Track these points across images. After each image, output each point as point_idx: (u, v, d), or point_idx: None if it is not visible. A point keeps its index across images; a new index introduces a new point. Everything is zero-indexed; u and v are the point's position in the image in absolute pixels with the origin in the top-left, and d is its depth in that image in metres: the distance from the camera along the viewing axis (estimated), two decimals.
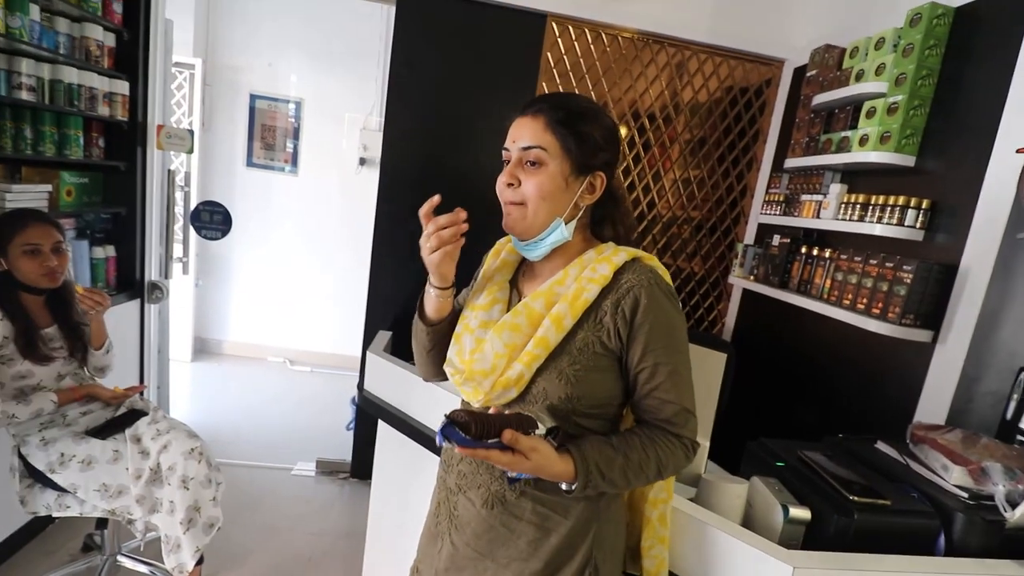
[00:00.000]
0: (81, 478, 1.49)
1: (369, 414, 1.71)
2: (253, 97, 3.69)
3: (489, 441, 0.68)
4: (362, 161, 3.71)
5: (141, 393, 1.79)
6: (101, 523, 1.74)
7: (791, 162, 2.17)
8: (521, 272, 0.93)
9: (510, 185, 0.81)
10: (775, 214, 2.23)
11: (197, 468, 1.54)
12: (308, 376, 3.89)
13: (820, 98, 2.00)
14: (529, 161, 0.80)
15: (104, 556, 1.76)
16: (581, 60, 2.36)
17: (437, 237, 0.78)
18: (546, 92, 0.84)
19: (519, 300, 0.87)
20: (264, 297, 3.96)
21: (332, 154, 3.78)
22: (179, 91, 3.48)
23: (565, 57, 2.34)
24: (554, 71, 2.33)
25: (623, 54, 2.38)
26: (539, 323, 0.81)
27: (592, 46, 2.36)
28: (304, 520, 2.27)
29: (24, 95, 1.75)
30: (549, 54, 2.32)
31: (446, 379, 0.94)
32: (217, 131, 3.70)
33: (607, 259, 0.82)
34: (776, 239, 2.19)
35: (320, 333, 4.01)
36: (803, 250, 2.03)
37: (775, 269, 2.16)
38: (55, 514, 1.55)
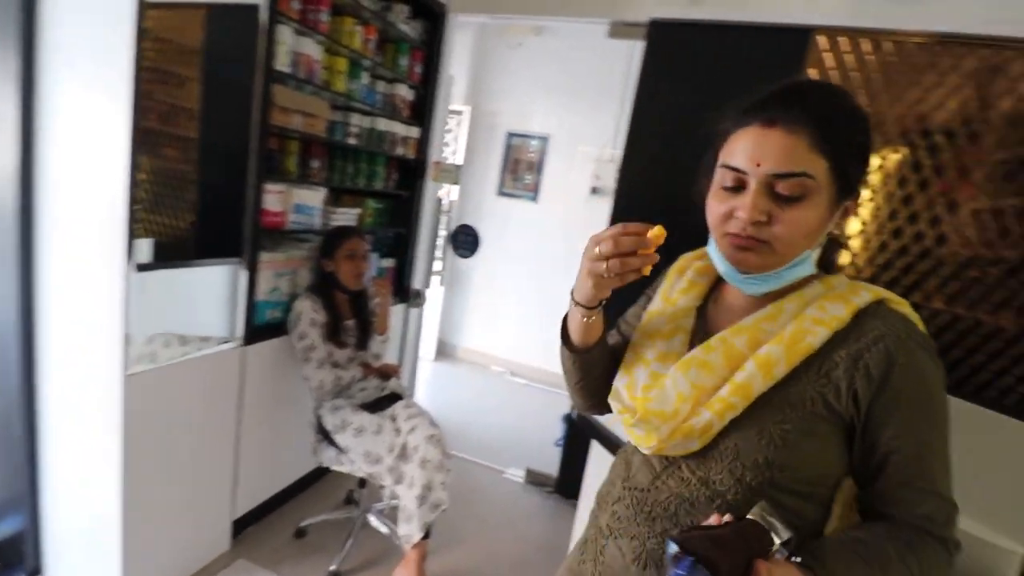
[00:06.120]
0: (352, 442, 1.84)
1: (576, 435, 1.74)
2: (510, 135, 4.19)
3: None
4: (594, 190, 3.88)
5: (398, 377, 2.15)
6: (361, 483, 2.11)
7: None
8: (712, 299, 0.78)
9: (758, 223, 0.62)
10: None
11: (434, 452, 1.77)
12: (524, 388, 4.15)
13: None
14: (786, 195, 0.62)
15: (359, 511, 2.13)
16: (853, 74, 2.07)
17: (623, 264, 0.62)
18: (777, 87, 0.66)
19: (705, 332, 0.73)
20: (495, 311, 4.41)
21: (568, 184, 4.04)
22: (449, 133, 4.15)
23: (832, 73, 2.08)
24: None
25: (911, 63, 2.01)
26: (738, 365, 0.66)
27: (868, 58, 2.05)
28: (511, 523, 2.41)
29: (352, 140, 2.30)
30: (813, 71, 2.10)
31: (608, 411, 0.82)
32: (475, 165, 4.29)
33: (842, 297, 0.66)
34: None
35: (539, 349, 4.26)
36: None
37: None
38: (332, 467, 1.94)
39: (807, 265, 0.67)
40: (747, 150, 0.63)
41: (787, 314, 0.67)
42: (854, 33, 2.05)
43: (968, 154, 1.98)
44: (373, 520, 2.11)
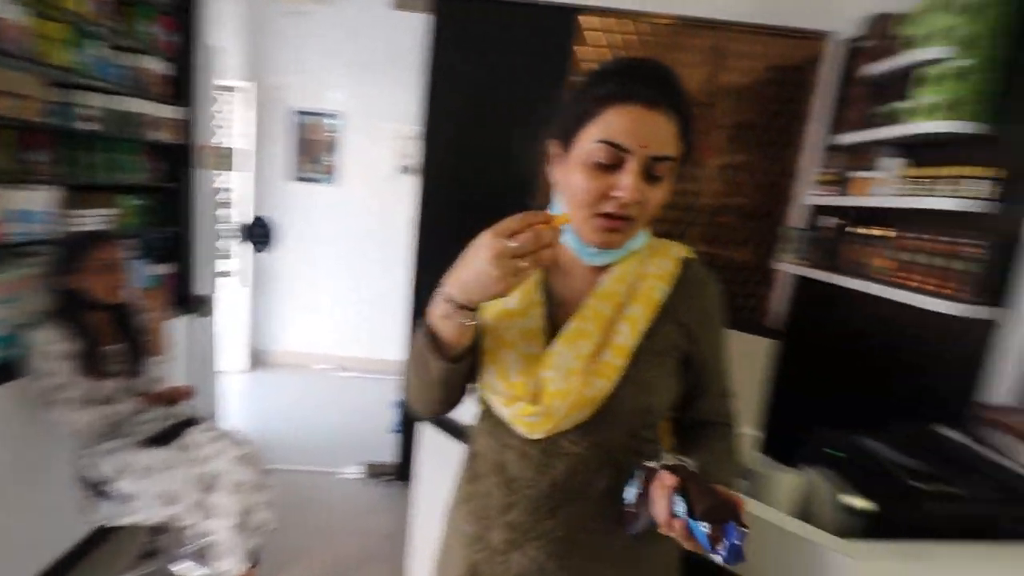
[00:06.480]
0: (140, 486, 1.55)
1: (411, 418, 1.71)
2: (299, 113, 3.84)
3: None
4: (405, 169, 3.79)
5: (190, 400, 1.85)
6: (158, 530, 1.80)
7: (843, 139, 2.06)
8: (549, 270, 0.78)
9: (636, 203, 0.64)
10: (826, 195, 2.12)
11: (247, 473, 1.59)
12: (352, 381, 3.96)
13: (875, 68, 1.89)
14: (656, 176, 0.64)
15: (163, 561, 1.82)
16: (615, 53, 2.30)
17: (536, 259, 0.58)
18: (646, 66, 0.68)
19: (553, 302, 0.74)
20: (308, 306, 4.10)
21: (371, 164, 3.87)
22: (229, 112, 3.66)
23: (596, 52, 2.29)
24: (584, 69, 2.29)
25: (660, 42, 2.31)
26: (609, 328, 0.70)
27: (625, 38, 2.30)
28: (352, 521, 2.32)
29: (89, 126, 1.87)
30: (580, 50, 2.28)
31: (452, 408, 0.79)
32: (268, 148, 3.86)
33: (665, 253, 0.74)
34: (827, 220, 2.09)
35: (362, 338, 4.10)
36: (857, 230, 1.92)
37: (826, 252, 2.06)
38: (116, 522, 1.61)
39: (644, 234, 0.74)
40: (631, 130, 0.62)
41: (632, 274, 0.73)
42: (609, 14, 2.27)
43: (709, 120, 2.37)
44: (184, 567, 1.83)
